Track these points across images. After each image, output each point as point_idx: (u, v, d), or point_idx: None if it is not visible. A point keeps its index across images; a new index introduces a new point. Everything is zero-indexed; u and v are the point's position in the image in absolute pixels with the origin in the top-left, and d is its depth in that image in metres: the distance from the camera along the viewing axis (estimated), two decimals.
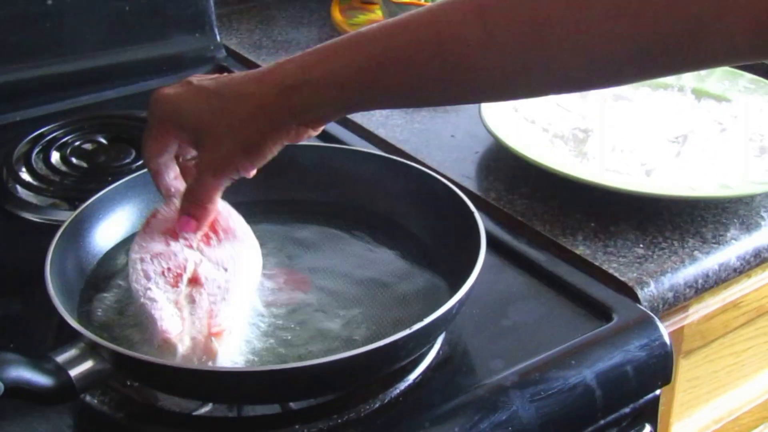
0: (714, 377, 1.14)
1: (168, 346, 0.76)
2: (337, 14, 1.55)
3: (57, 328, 0.86)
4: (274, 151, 0.81)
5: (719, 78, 1.27)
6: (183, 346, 0.77)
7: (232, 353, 0.79)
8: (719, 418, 1.17)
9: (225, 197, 0.87)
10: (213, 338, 0.77)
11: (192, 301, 0.81)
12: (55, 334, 0.86)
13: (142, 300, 0.80)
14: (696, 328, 1.06)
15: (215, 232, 0.87)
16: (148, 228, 0.87)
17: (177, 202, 0.87)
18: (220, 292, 0.81)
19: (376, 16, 1.54)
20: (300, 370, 0.73)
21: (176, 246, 0.85)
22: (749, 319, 1.12)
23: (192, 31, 1.40)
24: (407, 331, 0.75)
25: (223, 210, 0.89)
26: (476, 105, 1.18)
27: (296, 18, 1.58)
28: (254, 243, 0.89)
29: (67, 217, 0.91)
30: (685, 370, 1.09)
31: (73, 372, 0.74)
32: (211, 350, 0.77)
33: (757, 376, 1.20)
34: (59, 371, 0.73)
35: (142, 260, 0.84)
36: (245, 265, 0.85)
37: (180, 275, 0.82)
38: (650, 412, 0.92)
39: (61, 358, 0.74)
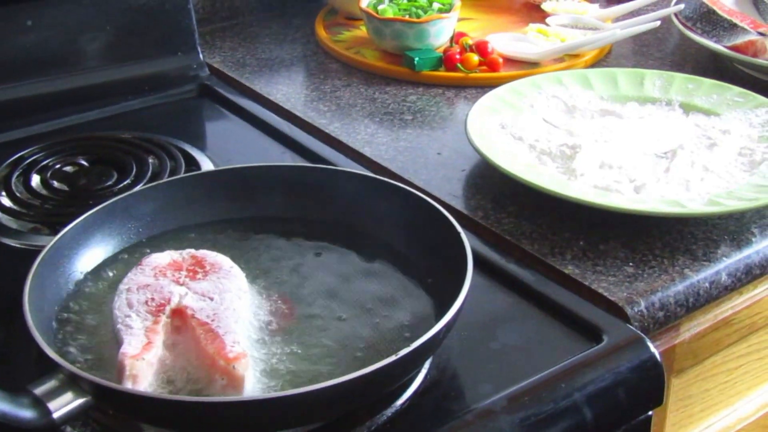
0: (706, 396, 1.13)
1: (120, 367, 0.77)
2: (321, 31, 1.54)
3: (37, 357, 0.84)
4: None
5: (707, 91, 1.25)
6: (135, 370, 0.77)
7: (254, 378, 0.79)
8: None
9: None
10: (234, 365, 0.77)
11: (178, 331, 0.82)
12: (35, 362, 0.85)
13: (118, 325, 0.82)
14: (688, 347, 1.05)
15: (202, 267, 0.89)
16: (140, 266, 0.89)
17: (174, 254, 0.90)
18: (210, 321, 0.82)
19: (360, 32, 1.53)
20: (282, 400, 0.72)
21: (164, 280, 0.86)
22: (741, 336, 1.11)
23: (174, 50, 1.38)
24: (393, 358, 0.73)
25: (210, 252, 0.91)
26: (462, 122, 1.17)
27: (280, 35, 1.57)
28: (240, 274, 0.89)
29: (48, 242, 0.89)
30: (677, 389, 1.07)
31: (53, 404, 0.73)
32: (236, 377, 0.77)
33: (751, 394, 1.19)
34: (38, 404, 0.72)
35: (128, 290, 0.86)
36: (233, 293, 0.86)
37: (163, 306, 0.84)
38: None
39: (39, 390, 0.73)
